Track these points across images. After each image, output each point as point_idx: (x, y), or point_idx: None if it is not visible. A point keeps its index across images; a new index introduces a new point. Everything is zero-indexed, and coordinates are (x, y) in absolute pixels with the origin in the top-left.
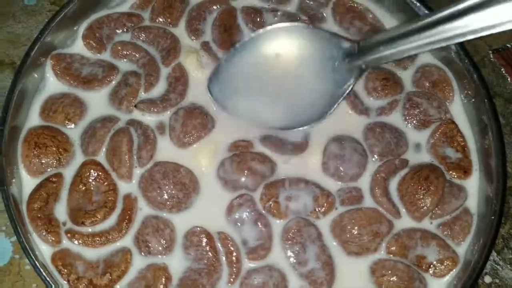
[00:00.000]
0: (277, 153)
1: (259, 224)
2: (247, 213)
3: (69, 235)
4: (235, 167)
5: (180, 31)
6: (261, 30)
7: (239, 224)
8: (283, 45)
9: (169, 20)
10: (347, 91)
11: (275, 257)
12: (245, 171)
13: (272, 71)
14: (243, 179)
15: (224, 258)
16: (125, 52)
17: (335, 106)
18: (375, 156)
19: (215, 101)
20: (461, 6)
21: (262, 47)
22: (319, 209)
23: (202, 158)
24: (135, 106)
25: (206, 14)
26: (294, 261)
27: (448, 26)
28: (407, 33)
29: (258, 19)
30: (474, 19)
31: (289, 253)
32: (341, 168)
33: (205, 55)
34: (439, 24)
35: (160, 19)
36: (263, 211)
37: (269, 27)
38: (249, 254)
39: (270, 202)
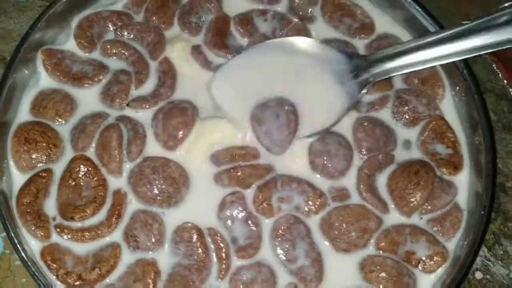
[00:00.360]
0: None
1: (249, 223)
2: (238, 211)
3: (58, 230)
4: (233, 183)
5: (175, 30)
6: (270, 40)
7: (230, 222)
8: (292, 56)
9: (163, 19)
10: (355, 101)
11: (264, 255)
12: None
13: (279, 80)
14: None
15: (214, 254)
16: (114, 51)
17: (341, 117)
18: (363, 151)
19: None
20: (465, 27)
21: (270, 55)
22: (311, 208)
23: (194, 158)
24: (127, 104)
25: (198, 9)
26: (284, 258)
27: (452, 44)
28: (414, 48)
29: (249, 27)
30: (477, 39)
31: (279, 251)
32: (328, 164)
33: (194, 56)
34: (443, 42)
35: (154, 19)
36: (255, 212)
37: (279, 39)
38: (238, 252)
39: (264, 205)
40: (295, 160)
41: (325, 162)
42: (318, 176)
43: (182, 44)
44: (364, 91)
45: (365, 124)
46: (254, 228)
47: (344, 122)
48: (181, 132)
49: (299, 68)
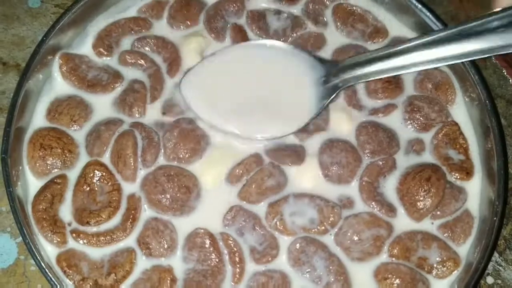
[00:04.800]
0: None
1: (257, 227)
2: (242, 223)
3: (74, 235)
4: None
5: (197, 29)
6: (243, 43)
7: (239, 234)
8: (267, 58)
9: (187, 18)
10: (324, 106)
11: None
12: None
13: (250, 81)
14: None
15: (227, 258)
16: (132, 61)
17: (311, 118)
18: (367, 153)
19: (187, 101)
20: (443, 34)
21: (242, 56)
22: (326, 221)
23: (207, 175)
24: (163, 113)
25: (223, 12)
26: (310, 279)
27: (428, 51)
28: (386, 55)
29: (262, 23)
30: (457, 45)
31: (301, 274)
32: (341, 172)
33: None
34: (417, 49)
35: (179, 19)
36: (269, 229)
37: (256, 41)
38: (260, 259)
39: (276, 220)
40: (307, 175)
41: (338, 171)
42: (335, 185)
43: (199, 39)
44: (333, 96)
45: (368, 127)
46: (264, 231)
47: (346, 127)
48: (187, 156)
49: (273, 69)
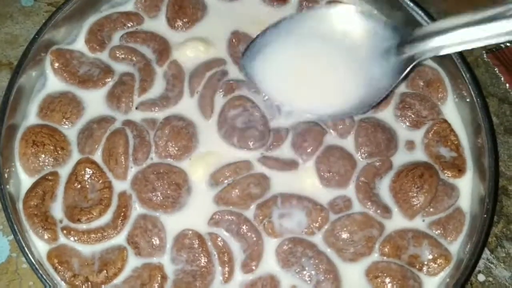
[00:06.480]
0: (275, 171)
1: (241, 232)
2: (227, 227)
3: (65, 231)
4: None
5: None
6: (308, 12)
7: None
8: (331, 27)
9: (185, 19)
10: (396, 83)
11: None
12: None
13: (316, 53)
14: None
15: (216, 259)
16: (123, 56)
17: (381, 97)
18: (364, 155)
19: (248, 76)
20: None
21: (308, 27)
22: (314, 224)
23: (195, 171)
24: (136, 107)
25: None
26: (300, 278)
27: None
28: (466, 24)
29: None
30: None
31: (291, 275)
32: (337, 178)
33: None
34: (496, 19)
35: (178, 22)
36: (259, 228)
37: (316, 10)
38: (242, 267)
39: (264, 222)
40: (306, 181)
41: (334, 176)
42: (331, 189)
43: (199, 43)
44: (407, 71)
45: (367, 128)
46: (248, 236)
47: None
48: (179, 153)
49: (339, 42)
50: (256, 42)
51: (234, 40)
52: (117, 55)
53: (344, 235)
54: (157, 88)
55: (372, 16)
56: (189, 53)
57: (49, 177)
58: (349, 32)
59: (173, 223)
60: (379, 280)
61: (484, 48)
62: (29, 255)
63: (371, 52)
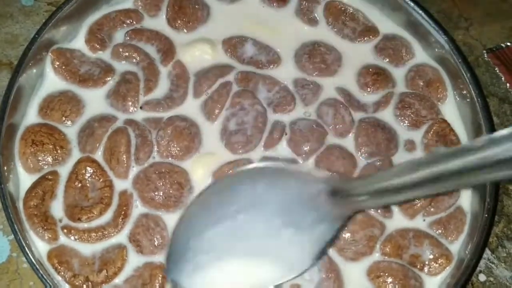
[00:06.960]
0: None
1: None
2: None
3: (65, 230)
4: None
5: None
6: (230, 173)
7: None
8: (258, 191)
9: (185, 19)
10: (330, 239)
11: None
12: None
13: (242, 224)
14: None
15: None
16: (126, 54)
17: (305, 269)
18: (364, 154)
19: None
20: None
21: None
22: None
23: (196, 171)
24: (141, 107)
25: None
26: (302, 277)
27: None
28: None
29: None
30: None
31: None
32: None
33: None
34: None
35: (178, 21)
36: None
37: (244, 168)
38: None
39: None
40: None
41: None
42: None
43: (207, 46)
44: (342, 227)
45: (367, 128)
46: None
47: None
48: (181, 153)
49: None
50: (180, 245)
51: (237, 43)
52: (121, 52)
53: (345, 234)
54: (161, 88)
55: (302, 171)
56: (197, 54)
57: (49, 177)
58: (279, 194)
59: (175, 222)
60: (381, 280)
61: (484, 47)
62: (30, 255)
63: (304, 209)
